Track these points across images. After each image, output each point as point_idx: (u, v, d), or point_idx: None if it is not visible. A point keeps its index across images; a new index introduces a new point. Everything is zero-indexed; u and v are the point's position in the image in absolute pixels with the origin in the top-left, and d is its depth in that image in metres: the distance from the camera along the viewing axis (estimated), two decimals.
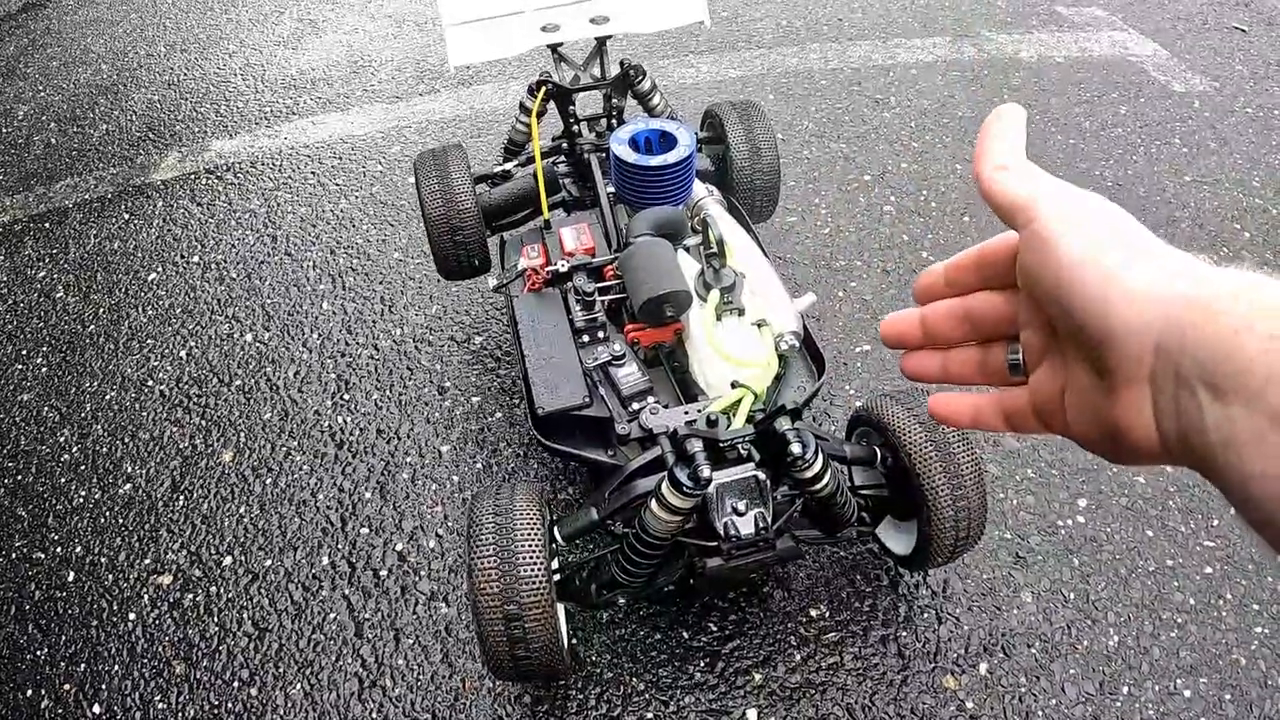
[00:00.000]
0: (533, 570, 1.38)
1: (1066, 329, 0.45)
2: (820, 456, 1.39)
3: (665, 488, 1.33)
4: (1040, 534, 1.85)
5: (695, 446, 1.32)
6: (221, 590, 1.90)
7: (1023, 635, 1.70)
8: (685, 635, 1.72)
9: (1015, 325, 0.53)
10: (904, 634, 1.71)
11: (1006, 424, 0.54)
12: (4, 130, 3.62)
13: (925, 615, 1.73)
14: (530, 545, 1.40)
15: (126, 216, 3.02)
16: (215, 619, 1.85)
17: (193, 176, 3.16)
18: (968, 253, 0.55)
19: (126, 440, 2.24)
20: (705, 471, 1.29)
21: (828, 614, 1.74)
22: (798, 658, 1.68)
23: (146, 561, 1.97)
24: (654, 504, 1.35)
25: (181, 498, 2.09)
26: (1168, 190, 2.73)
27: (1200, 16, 3.62)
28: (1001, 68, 3.31)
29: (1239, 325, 0.37)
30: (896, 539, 1.68)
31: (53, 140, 3.51)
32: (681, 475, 1.30)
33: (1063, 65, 3.33)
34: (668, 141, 1.82)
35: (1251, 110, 3.08)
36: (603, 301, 1.72)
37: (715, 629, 1.73)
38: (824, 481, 1.41)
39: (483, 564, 1.38)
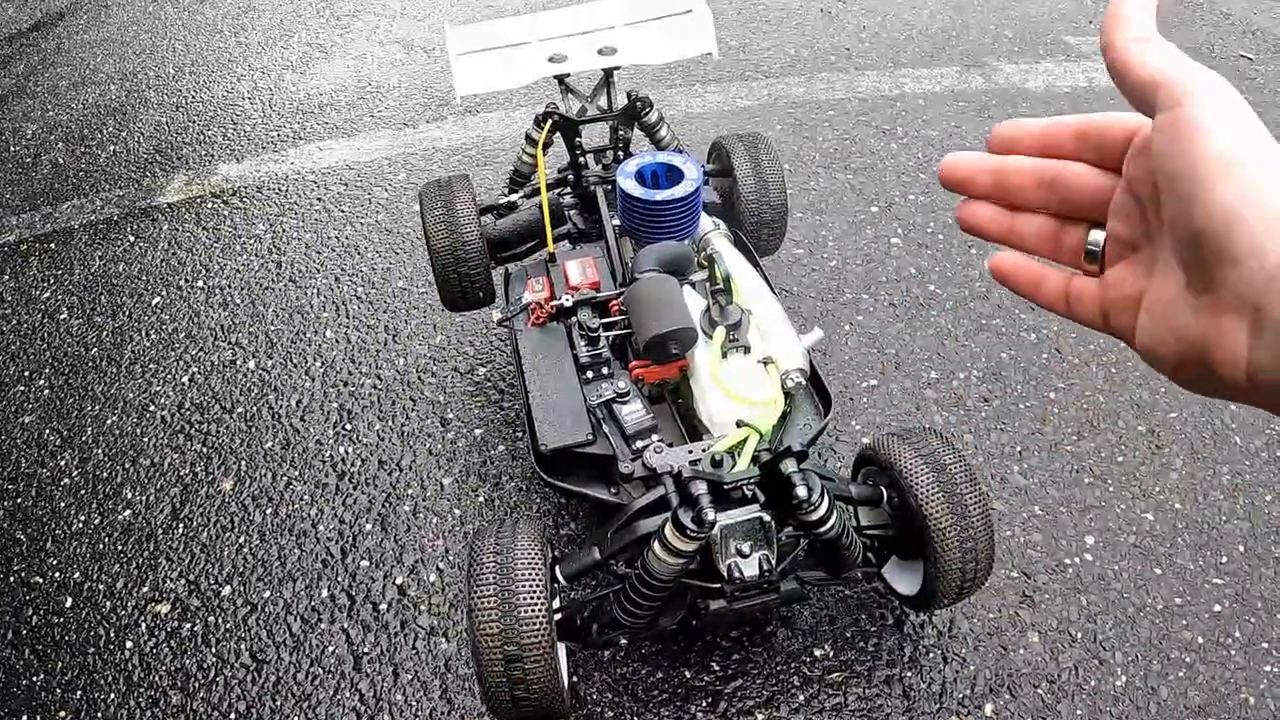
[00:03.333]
0: (533, 611, 1.36)
1: (1181, 231, 0.41)
2: (826, 499, 1.37)
3: (669, 530, 1.32)
4: (1047, 572, 1.84)
5: (699, 488, 1.31)
6: (219, 620, 1.88)
7: (1029, 675, 1.68)
8: (687, 674, 1.70)
9: (1103, 210, 0.49)
10: (909, 674, 1.69)
11: (1067, 307, 0.52)
12: (12, 149, 3.63)
13: (931, 655, 1.71)
14: (531, 585, 1.38)
15: (132, 239, 3.01)
16: (213, 649, 1.84)
17: (199, 200, 3.16)
18: (1067, 119, 0.51)
19: (127, 466, 2.23)
20: (709, 514, 1.28)
21: (832, 653, 1.72)
22: (801, 698, 1.66)
23: (145, 589, 1.96)
24: (657, 546, 1.34)
25: (181, 525, 2.07)
26: None
27: (1207, 45, 3.62)
28: (1009, 98, 3.31)
29: None
30: (902, 579, 1.67)
31: (60, 160, 3.51)
32: (685, 518, 1.29)
33: (1070, 95, 3.32)
34: (674, 175, 1.82)
35: None
36: (607, 337, 1.71)
37: (718, 668, 1.71)
38: (830, 524, 1.40)
39: (483, 604, 1.37)
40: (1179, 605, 1.78)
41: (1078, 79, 3.42)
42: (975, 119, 3.20)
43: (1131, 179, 0.47)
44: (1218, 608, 1.77)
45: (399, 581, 1.91)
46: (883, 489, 1.60)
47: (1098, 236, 0.49)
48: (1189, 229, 0.40)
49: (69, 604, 1.96)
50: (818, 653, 1.72)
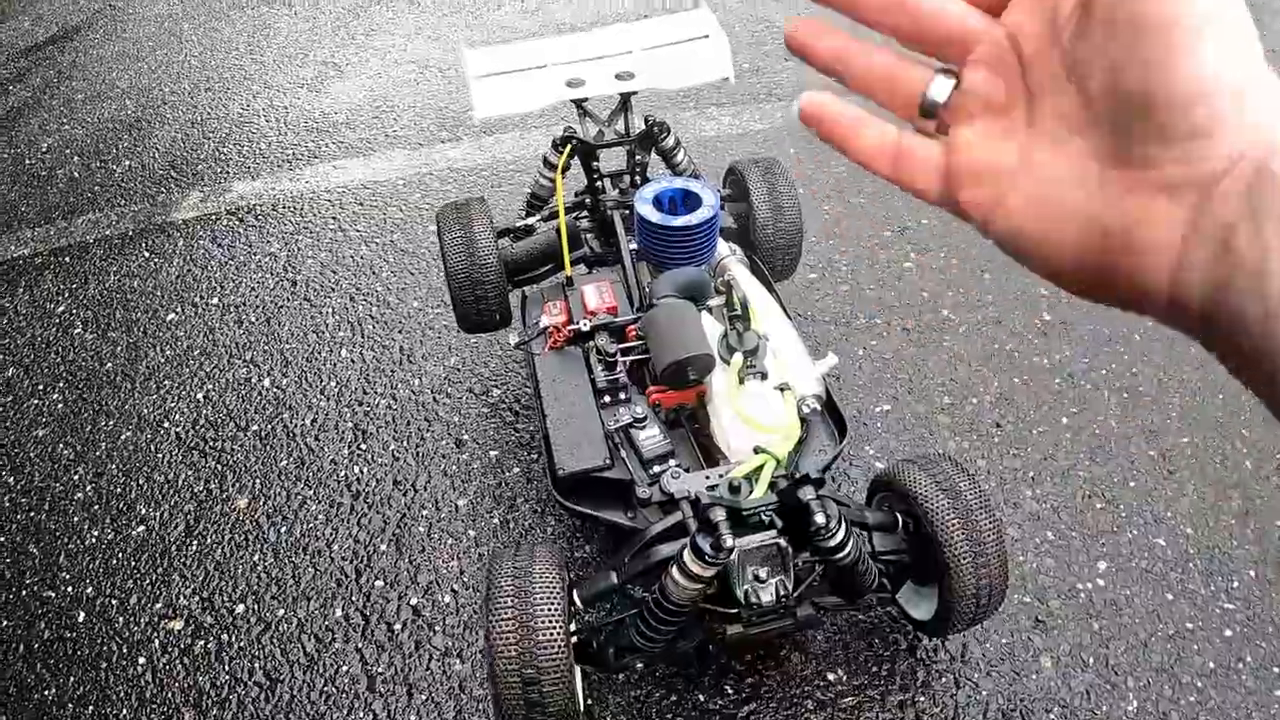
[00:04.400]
0: (551, 634, 1.37)
1: (1125, 90, 0.34)
2: (843, 526, 1.38)
3: (687, 555, 1.32)
4: (1060, 597, 1.84)
5: (718, 515, 1.32)
6: (233, 638, 1.89)
7: (1042, 701, 1.68)
8: (701, 698, 1.70)
9: (959, 57, 0.40)
10: (922, 699, 1.69)
11: (891, 167, 0.42)
12: (28, 162, 3.65)
13: (943, 680, 1.72)
14: (549, 609, 1.39)
15: (147, 255, 3.03)
16: (226, 667, 1.84)
17: (214, 217, 3.18)
18: None
19: (141, 481, 2.24)
20: (728, 541, 1.28)
21: (845, 678, 1.72)
22: None
23: (158, 605, 1.97)
24: (675, 571, 1.34)
25: (195, 542, 2.08)
26: None
27: None
28: None
29: None
30: (917, 604, 1.67)
31: (76, 174, 3.53)
32: (704, 544, 1.30)
33: None
34: (692, 201, 1.83)
35: None
36: (624, 362, 1.72)
37: (732, 692, 1.71)
38: (846, 550, 1.40)
39: (501, 627, 1.38)
40: (1190, 630, 1.78)
41: None
42: None
43: (1018, 28, 0.39)
44: (1229, 632, 1.77)
45: (413, 602, 1.91)
46: (898, 515, 1.60)
47: (941, 88, 0.40)
48: (1140, 90, 0.33)
49: (81, 619, 1.96)
50: (831, 677, 1.73)
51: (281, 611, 1.92)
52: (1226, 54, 0.32)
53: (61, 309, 2.85)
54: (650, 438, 1.61)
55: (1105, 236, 0.35)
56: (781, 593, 1.39)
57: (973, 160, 0.40)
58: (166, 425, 2.39)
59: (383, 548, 2.02)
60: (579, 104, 2.17)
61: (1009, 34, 0.39)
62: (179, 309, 2.78)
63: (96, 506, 2.20)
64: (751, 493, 1.39)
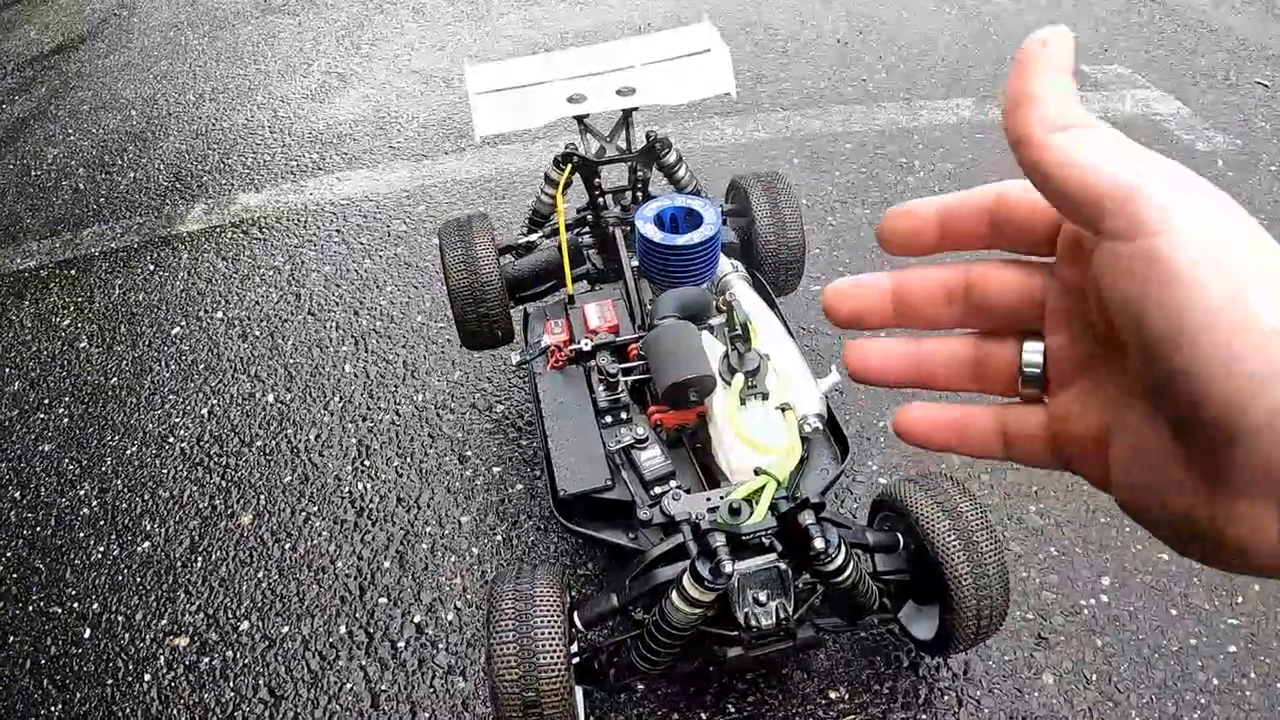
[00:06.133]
0: (552, 657, 1.38)
1: (1164, 398, 0.30)
2: (843, 549, 1.38)
3: (687, 580, 1.32)
4: (1063, 614, 1.83)
5: (718, 540, 1.32)
6: (238, 655, 1.89)
7: (1044, 718, 1.68)
8: (703, 717, 1.70)
9: (1038, 316, 0.37)
10: (923, 717, 1.69)
11: (1005, 449, 0.38)
12: (33, 173, 3.67)
13: (945, 698, 1.71)
14: (550, 632, 1.39)
15: (152, 268, 3.04)
16: (231, 684, 1.85)
17: (218, 230, 3.19)
18: (973, 196, 0.37)
19: (146, 497, 2.25)
20: (727, 566, 1.29)
21: (847, 696, 1.72)
22: None
23: (163, 622, 1.97)
24: (675, 595, 1.35)
25: (200, 559, 2.09)
26: None
27: (1222, 72, 3.62)
28: None
29: None
30: (918, 624, 1.67)
31: (81, 186, 3.55)
32: (703, 569, 1.30)
33: None
34: (693, 219, 1.83)
35: (1275, 167, 3.06)
36: (626, 382, 1.72)
37: (734, 710, 1.71)
38: (846, 574, 1.40)
39: (502, 650, 1.38)
40: (1194, 646, 1.77)
41: (1094, 108, 3.40)
42: (992, 150, 3.20)
43: (1069, 283, 0.35)
44: (1233, 648, 1.77)
45: (417, 620, 1.92)
46: (899, 535, 1.60)
47: (1035, 353, 0.37)
48: (1179, 403, 0.29)
49: (87, 635, 1.97)
50: (833, 695, 1.72)
51: (286, 628, 1.93)
52: (1261, 348, 0.27)
53: (67, 322, 2.86)
54: (651, 458, 1.61)
55: (1199, 529, 0.31)
56: (782, 615, 1.38)
57: (1077, 429, 0.36)
58: (171, 440, 2.39)
59: (386, 564, 2.03)
60: (581, 120, 2.17)
61: (1066, 290, 0.36)
62: (184, 323, 2.79)
63: (102, 522, 2.21)
64: (752, 515, 1.39)
